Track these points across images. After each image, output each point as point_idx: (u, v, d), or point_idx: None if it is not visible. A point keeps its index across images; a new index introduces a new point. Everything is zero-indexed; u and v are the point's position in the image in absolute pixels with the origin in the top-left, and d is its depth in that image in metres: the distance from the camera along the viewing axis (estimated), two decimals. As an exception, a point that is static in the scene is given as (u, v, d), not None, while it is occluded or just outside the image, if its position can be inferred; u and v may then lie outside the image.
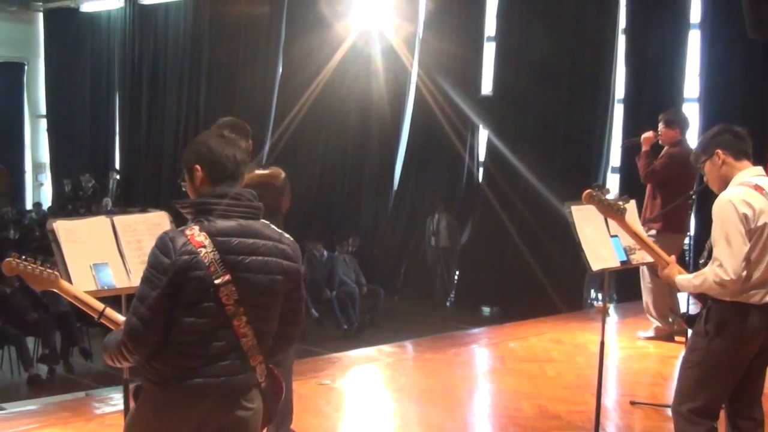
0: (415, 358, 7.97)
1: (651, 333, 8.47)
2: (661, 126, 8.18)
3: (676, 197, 7.46)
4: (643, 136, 8.20)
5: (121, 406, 6.55)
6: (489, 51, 16.00)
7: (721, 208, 4.27)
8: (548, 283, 14.20)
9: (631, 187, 13.50)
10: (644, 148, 8.18)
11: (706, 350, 4.36)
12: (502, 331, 9.38)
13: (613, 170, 14.40)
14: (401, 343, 9.04)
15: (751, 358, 4.42)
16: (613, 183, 14.40)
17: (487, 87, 16.09)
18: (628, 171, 13.79)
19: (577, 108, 14.62)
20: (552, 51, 14.70)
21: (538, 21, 14.93)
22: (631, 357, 7.99)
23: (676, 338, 8.20)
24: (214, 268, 3.11)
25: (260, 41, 19.53)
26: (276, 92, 19.16)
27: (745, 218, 4.21)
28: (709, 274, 4.22)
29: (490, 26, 16.06)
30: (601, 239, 5.13)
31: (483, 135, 16.17)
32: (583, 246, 5.04)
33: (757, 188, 4.31)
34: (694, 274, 4.35)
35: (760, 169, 4.47)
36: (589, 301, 14.58)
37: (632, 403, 6.60)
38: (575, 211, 5.09)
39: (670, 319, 8.40)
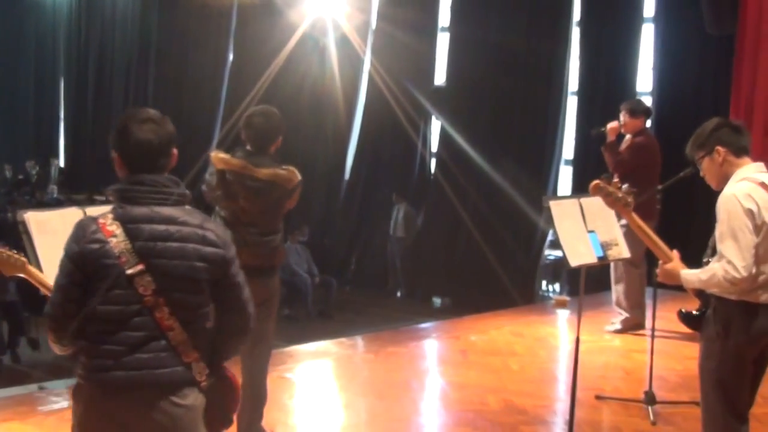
0: (377, 352, 7.86)
1: (618, 326, 8.47)
2: (624, 115, 8.23)
3: (643, 185, 7.47)
4: (608, 126, 8.23)
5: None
6: (443, 41, 15.97)
7: (726, 203, 4.16)
8: (500, 275, 14.25)
9: (584, 179, 13.51)
10: (610, 139, 8.20)
11: (722, 352, 4.24)
12: (462, 323, 9.33)
13: (566, 162, 14.45)
14: (362, 336, 8.98)
15: (752, 362, 4.31)
16: (565, 175, 14.45)
17: (440, 77, 16.05)
18: (581, 163, 13.89)
19: (531, 99, 14.64)
20: (506, 42, 14.65)
21: (493, 12, 14.93)
22: (592, 351, 7.96)
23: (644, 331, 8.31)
24: (125, 258, 3.06)
25: (210, 28, 19.30)
26: (226, 80, 18.98)
27: (750, 213, 4.10)
28: (718, 271, 4.09)
29: (444, 16, 16.04)
30: (579, 235, 5.09)
31: (436, 125, 16.14)
32: (562, 242, 4.99)
33: (763, 186, 4.20)
34: (701, 269, 4.23)
35: (761, 166, 4.35)
36: (540, 293, 14.65)
37: (597, 397, 6.57)
38: (554, 207, 5.04)
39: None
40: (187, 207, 3.24)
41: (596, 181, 4.46)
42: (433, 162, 16.16)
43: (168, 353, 3.11)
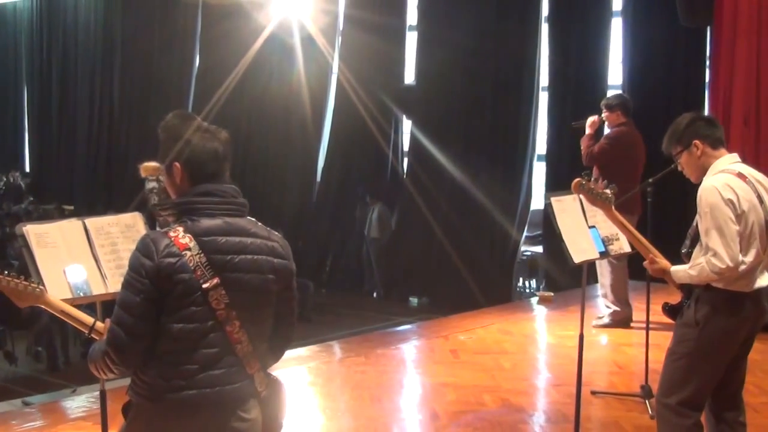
0: (367, 354, 7.77)
1: (606, 320, 8.47)
2: (603, 111, 8.26)
3: (620, 179, 7.46)
4: (589, 119, 8.24)
5: (70, 416, 6.32)
6: (411, 40, 15.91)
7: (707, 195, 4.24)
8: (477, 272, 14.21)
9: (558, 174, 13.63)
10: (588, 132, 8.22)
11: (697, 340, 4.33)
12: (449, 323, 9.26)
13: (540, 158, 14.44)
14: (349, 339, 8.90)
15: (738, 347, 4.40)
16: (539, 171, 14.46)
17: (409, 77, 16.00)
18: (554, 158, 13.90)
19: (502, 96, 14.64)
20: (475, 39, 14.64)
21: (461, 9, 14.88)
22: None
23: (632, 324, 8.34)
24: (201, 271, 2.92)
25: (175, 31, 19.10)
26: (193, 84, 18.81)
27: (731, 203, 4.19)
28: (706, 265, 4.19)
29: (412, 15, 15.98)
30: (581, 231, 5.05)
31: (407, 125, 16.09)
32: (564, 238, 4.93)
33: (740, 176, 4.30)
34: (690, 265, 4.30)
35: (736, 156, 4.47)
36: (517, 290, 14.65)
37: (593, 393, 6.55)
38: (555, 203, 4.99)
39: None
40: (251, 218, 3.15)
41: (577, 179, 4.46)
42: (405, 161, 16.10)
43: (237, 367, 3.01)
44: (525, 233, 14.49)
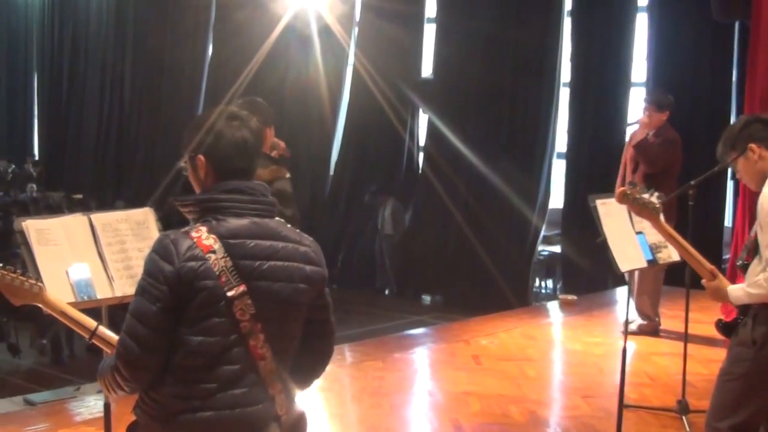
0: (384, 358, 7.39)
1: (634, 328, 8.09)
2: (649, 108, 7.78)
3: (668, 184, 7.11)
4: (640, 120, 7.80)
5: (73, 421, 6.01)
6: (429, 32, 15.55)
7: (767, 204, 3.88)
8: (493, 271, 13.85)
9: (578, 172, 13.32)
10: (642, 135, 7.76)
11: (753, 361, 3.98)
12: (469, 326, 8.87)
13: (559, 155, 14.07)
14: (364, 342, 8.54)
15: None
16: (558, 168, 14.10)
17: (427, 69, 15.65)
18: (574, 156, 13.57)
19: (522, 91, 14.30)
20: (495, 32, 14.25)
21: (481, 1, 14.53)
22: (610, 354, 7.55)
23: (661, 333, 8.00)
24: (226, 277, 2.58)
25: (188, 20, 18.77)
26: (206, 75, 18.49)
27: None
28: (765, 282, 3.84)
29: (431, 7, 15.62)
30: (627, 237, 4.69)
31: (423, 118, 15.75)
32: (610, 245, 4.57)
33: None
34: (748, 283, 3.95)
35: None
36: (534, 290, 14.32)
37: (625, 406, 6.16)
38: (600, 206, 4.63)
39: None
40: (279, 219, 2.81)
41: (621, 189, 4.14)
42: (421, 156, 15.76)
43: (258, 387, 2.68)
44: (543, 232, 14.14)
